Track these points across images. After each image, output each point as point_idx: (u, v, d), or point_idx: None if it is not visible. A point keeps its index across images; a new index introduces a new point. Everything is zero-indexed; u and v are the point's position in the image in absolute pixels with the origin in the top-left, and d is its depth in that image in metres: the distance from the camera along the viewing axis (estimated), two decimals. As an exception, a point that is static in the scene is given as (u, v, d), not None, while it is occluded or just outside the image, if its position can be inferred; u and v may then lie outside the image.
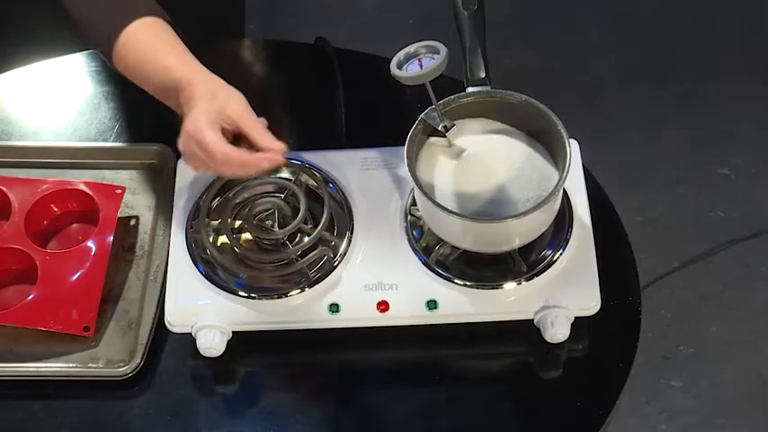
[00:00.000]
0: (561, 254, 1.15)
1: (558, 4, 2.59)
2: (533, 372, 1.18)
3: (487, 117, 1.16)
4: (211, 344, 1.12)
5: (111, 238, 1.19)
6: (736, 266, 2.16)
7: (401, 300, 1.14)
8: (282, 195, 1.19)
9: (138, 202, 1.28)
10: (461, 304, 1.14)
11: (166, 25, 1.10)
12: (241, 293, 1.14)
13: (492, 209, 1.10)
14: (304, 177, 1.21)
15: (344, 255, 1.16)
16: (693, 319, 2.09)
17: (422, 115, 1.13)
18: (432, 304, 1.14)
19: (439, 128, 1.13)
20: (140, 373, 1.14)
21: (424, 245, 1.17)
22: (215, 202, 1.19)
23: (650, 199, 2.25)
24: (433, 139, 1.15)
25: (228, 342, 1.14)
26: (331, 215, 1.16)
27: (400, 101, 1.38)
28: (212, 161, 1.03)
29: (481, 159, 1.14)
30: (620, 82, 2.44)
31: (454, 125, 1.14)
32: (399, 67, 1.09)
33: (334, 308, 1.14)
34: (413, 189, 1.18)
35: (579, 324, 1.15)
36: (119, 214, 1.22)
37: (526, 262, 1.15)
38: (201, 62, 1.09)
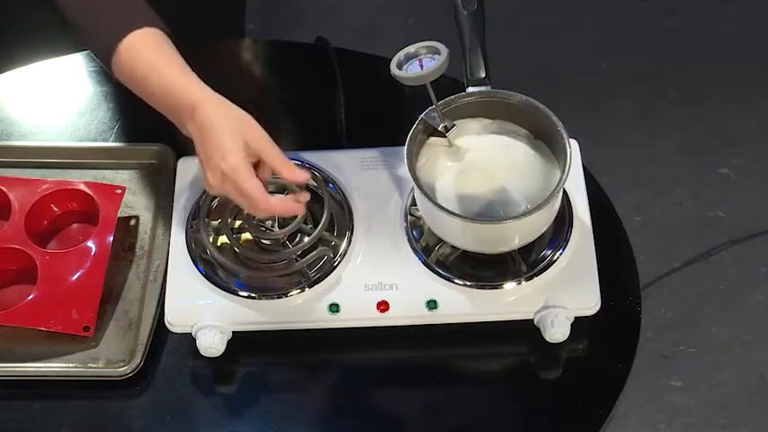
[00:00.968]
0: (561, 254, 1.15)
1: (558, 4, 2.59)
2: (533, 372, 1.18)
3: (487, 117, 1.16)
4: (211, 344, 1.12)
5: (111, 238, 1.19)
6: (736, 266, 2.16)
7: (401, 300, 1.14)
8: (282, 195, 1.19)
9: (138, 202, 1.28)
10: (461, 304, 1.14)
11: (165, 37, 1.10)
12: (241, 293, 1.14)
13: (492, 209, 1.10)
14: (304, 177, 1.21)
15: (344, 255, 1.16)
16: (693, 319, 2.09)
17: (422, 115, 1.12)
18: (432, 304, 1.14)
19: (439, 128, 1.12)
20: (140, 373, 1.14)
21: (424, 245, 1.17)
22: (215, 202, 1.19)
23: (650, 199, 2.25)
24: (433, 139, 1.15)
25: (228, 342, 1.14)
26: (331, 215, 1.16)
27: (400, 101, 1.38)
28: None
29: (481, 160, 1.14)
30: (620, 82, 2.44)
31: (454, 125, 1.14)
32: (399, 67, 1.09)
33: (334, 308, 1.14)
34: (413, 189, 1.18)
35: (579, 324, 1.15)
36: (119, 214, 1.22)
37: (526, 262, 1.15)
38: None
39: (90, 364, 1.15)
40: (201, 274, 1.15)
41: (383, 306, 1.14)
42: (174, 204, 1.21)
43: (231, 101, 1.06)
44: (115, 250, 1.21)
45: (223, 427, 1.14)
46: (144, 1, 1.11)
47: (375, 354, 1.18)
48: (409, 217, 1.18)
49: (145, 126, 1.31)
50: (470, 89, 1.15)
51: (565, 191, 1.17)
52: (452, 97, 1.14)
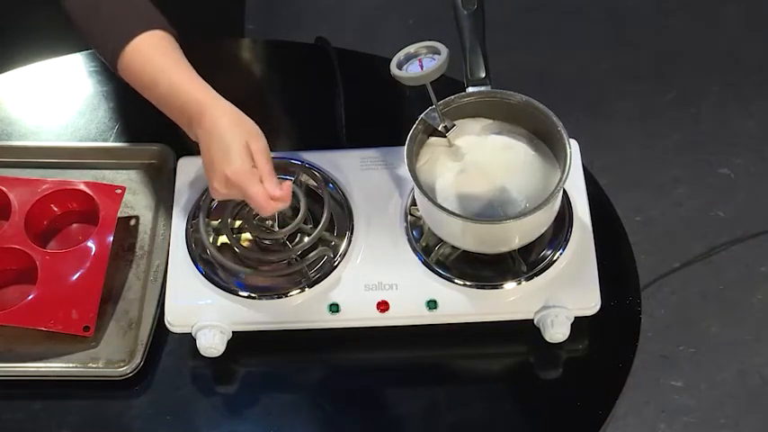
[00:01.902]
0: (561, 254, 1.15)
1: (558, 4, 2.59)
2: (533, 372, 1.18)
3: (488, 117, 1.16)
4: (211, 344, 1.12)
5: (111, 238, 1.19)
6: (736, 266, 2.15)
7: (401, 300, 1.14)
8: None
9: (138, 202, 1.28)
10: (461, 304, 1.14)
11: (173, 40, 1.10)
12: (241, 293, 1.14)
13: (492, 209, 1.10)
14: (304, 177, 1.21)
15: (344, 255, 1.16)
16: (693, 319, 2.09)
17: (422, 115, 1.12)
18: (432, 304, 1.14)
19: (439, 128, 1.12)
20: (140, 373, 1.14)
21: (424, 245, 1.17)
22: (215, 202, 1.19)
23: (650, 199, 2.24)
24: (433, 139, 1.15)
25: (228, 342, 1.14)
26: (331, 215, 1.16)
27: (400, 101, 1.38)
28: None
29: (481, 160, 1.14)
30: (619, 82, 2.44)
31: (454, 125, 1.14)
32: (399, 67, 1.09)
33: (334, 308, 1.14)
34: (413, 189, 1.18)
35: (579, 324, 1.15)
36: (119, 214, 1.22)
37: (526, 262, 1.15)
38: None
39: (90, 364, 1.15)
40: (201, 274, 1.15)
41: (383, 306, 1.14)
42: (174, 204, 1.21)
43: (231, 101, 1.06)
44: (115, 250, 1.21)
45: (223, 427, 1.14)
46: (152, 4, 1.11)
47: (375, 354, 1.18)
48: (409, 217, 1.18)
49: (145, 126, 1.31)
50: (470, 89, 1.15)
51: (565, 191, 1.17)
52: (452, 97, 1.14)
